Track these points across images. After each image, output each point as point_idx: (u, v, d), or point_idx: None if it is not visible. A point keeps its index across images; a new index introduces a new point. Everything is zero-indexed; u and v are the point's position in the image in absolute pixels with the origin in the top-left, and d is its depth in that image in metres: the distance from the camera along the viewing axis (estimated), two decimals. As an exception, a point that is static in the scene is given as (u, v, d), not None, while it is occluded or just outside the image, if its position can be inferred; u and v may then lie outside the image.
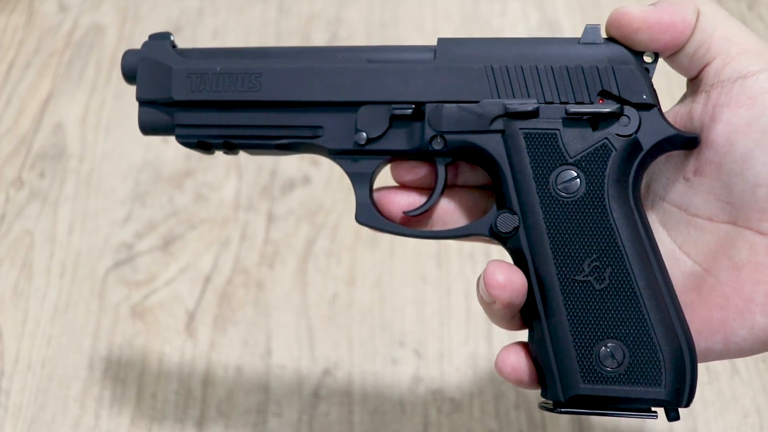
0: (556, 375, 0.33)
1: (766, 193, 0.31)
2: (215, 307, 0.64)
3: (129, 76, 0.40)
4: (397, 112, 0.37)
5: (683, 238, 0.34)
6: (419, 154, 0.37)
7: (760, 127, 0.31)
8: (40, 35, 0.85)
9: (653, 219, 0.36)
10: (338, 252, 0.66)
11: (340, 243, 0.66)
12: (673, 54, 0.34)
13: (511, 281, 0.33)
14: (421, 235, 0.38)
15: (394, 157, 0.38)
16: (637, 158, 0.34)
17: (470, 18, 0.83)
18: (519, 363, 0.35)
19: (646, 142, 0.34)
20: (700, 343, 0.32)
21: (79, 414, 0.59)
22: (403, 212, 0.38)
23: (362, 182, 0.38)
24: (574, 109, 0.34)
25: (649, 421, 0.55)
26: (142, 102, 0.40)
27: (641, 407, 0.33)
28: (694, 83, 0.34)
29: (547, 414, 0.56)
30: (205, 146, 0.40)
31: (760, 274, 0.31)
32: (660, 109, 0.35)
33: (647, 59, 0.35)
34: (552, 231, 0.34)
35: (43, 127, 0.77)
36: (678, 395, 0.32)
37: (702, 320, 0.32)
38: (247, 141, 0.39)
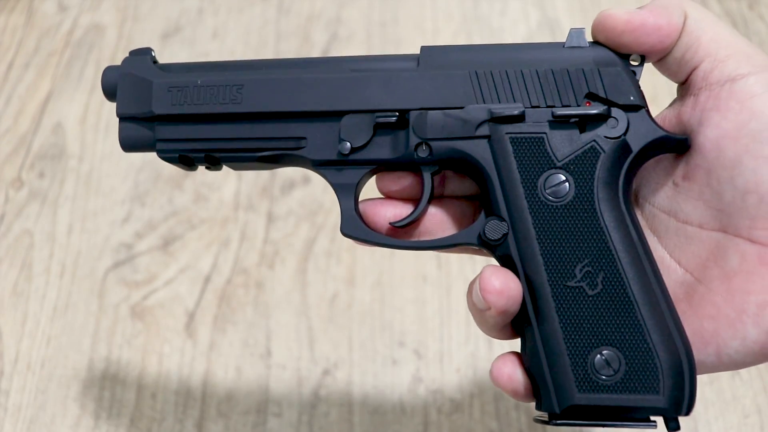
0: (550, 386, 0.32)
1: (756, 200, 0.30)
2: (215, 308, 0.64)
3: (110, 92, 0.39)
4: (381, 120, 0.36)
5: (673, 245, 0.34)
6: (405, 163, 0.37)
7: (749, 132, 0.30)
8: (40, 35, 0.85)
9: (643, 225, 0.35)
10: (338, 252, 0.66)
11: (340, 243, 0.66)
12: (662, 58, 0.34)
13: (508, 287, 0.32)
14: (408, 246, 0.37)
15: (380, 166, 0.37)
16: (627, 160, 0.34)
17: (470, 18, 0.83)
18: (514, 373, 0.34)
19: (636, 143, 0.33)
20: (698, 354, 0.32)
21: (79, 414, 0.59)
22: (390, 223, 0.37)
23: (347, 193, 0.37)
24: (560, 111, 0.34)
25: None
26: (123, 118, 0.39)
27: (640, 417, 0.32)
28: (683, 87, 0.34)
29: (548, 414, 0.56)
30: (186, 161, 0.39)
31: (750, 284, 0.30)
32: (648, 111, 0.34)
33: (633, 62, 0.34)
34: (542, 236, 0.33)
35: (43, 127, 0.77)
36: (677, 403, 0.31)
37: (693, 331, 0.32)
38: (230, 154, 0.38)
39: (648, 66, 0.35)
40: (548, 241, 0.33)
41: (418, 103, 0.36)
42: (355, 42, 0.81)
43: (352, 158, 0.37)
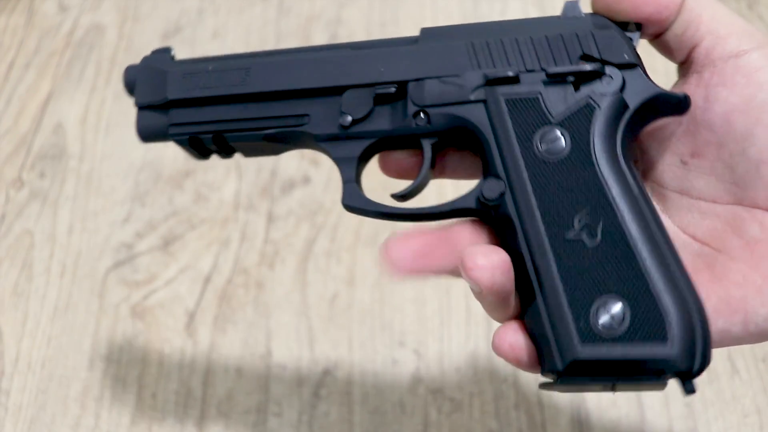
0: (552, 343, 0.31)
1: None
2: (215, 307, 0.64)
3: (130, 87, 0.41)
4: (381, 91, 0.37)
5: (687, 222, 0.33)
6: (405, 137, 0.37)
7: (758, 104, 0.30)
8: (40, 35, 0.85)
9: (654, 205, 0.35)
10: (338, 252, 0.66)
11: (340, 243, 0.66)
12: (660, 35, 0.34)
13: (491, 260, 0.31)
14: (407, 213, 0.36)
15: (381, 139, 0.37)
16: (624, 117, 0.33)
17: (470, 18, 0.83)
18: (517, 340, 0.32)
19: (632, 100, 0.33)
20: (717, 323, 0.30)
21: (79, 414, 0.59)
22: (391, 195, 0.37)
23: (349, 166, 0.37)
24: (553, 69, 0.34)
25: (650, 420, 0.55)
26: (141, 107, 0.41)
27: (650, 370, 0.29)
28: (684, 67, 0.34)
29: (548, 414, 0.56)
30: (197, 145, 0.40)
31: None
32: (644, 69, 0.34)
33: (630, 29, 0.34)
34: (538, 191, 0.33)
35: (43, 127, 0.77)
36: (689, 354, 0.29)
37: (719, 298, 0.30)
38: (237, 134, 0.39)
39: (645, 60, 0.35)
40: (545, 195, 0.33)
41: (416, 74, 0.36)
42: (355, 42, 0.81)
43: (353, 131, 0.37)
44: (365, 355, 0.60)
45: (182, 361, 0.61)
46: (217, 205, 0.70)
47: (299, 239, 0.67)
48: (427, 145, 0.37)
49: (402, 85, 0.37)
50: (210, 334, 0.62)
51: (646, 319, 0.30)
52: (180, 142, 0.40)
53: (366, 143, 0.37)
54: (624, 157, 0.33)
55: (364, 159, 0.39)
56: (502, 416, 0.57)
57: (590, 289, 0.31)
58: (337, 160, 0.38)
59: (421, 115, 0.36)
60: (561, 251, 0.32)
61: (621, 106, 0.33)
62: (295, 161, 0.72)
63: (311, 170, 0.71)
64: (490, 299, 0.32)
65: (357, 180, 0.38)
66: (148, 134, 0.41)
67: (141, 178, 0.72)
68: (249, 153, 0.41)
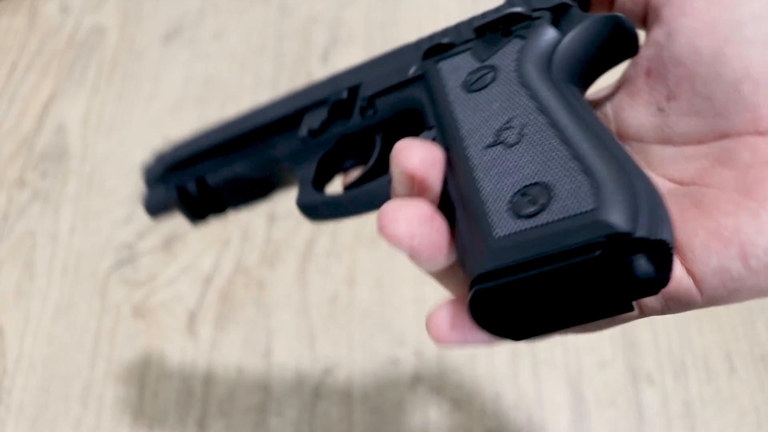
0: (472, 248, 0.24)
1: (751, 87, 0.26)
2: (216, 307, 0.64)
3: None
4: (334, 99, 0.37)
5: (672, 171, 0.29)
6: (360, 137, 0.37)
7: (722, 23, 0.27)
8: (42, 36, 0.85)
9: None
10: (338, 252, 0.66)
11: (340, 243, 0.66)
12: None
13: (407, 213, 0.27)
14: (355, 198, 0.35)
15: (338, 143, 0.37)
16: (557, 47, 0.30)
17: (470, 19, 0.83)
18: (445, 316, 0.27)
19: (564, 30, 0.30)
20: (711, 260, 0.25)
21: (81, 413, 0.59)
22: (344, 186, 0.37)
23: (308, 169, 0.38)
24: (479, 22, 0.32)
25: (649, 419, 0.56)
26: (147, 184, 0.46)
27: (579, 249, 0.22)
28: (649, 22, 0.31)
29: (547, 413, 0.56)
30: (186, 198, 0.42)
31: None
32: (580, 7, 0.32)
33: None
34: (462, 116, 0.30)
35: (45, 128, 0.77)
36: (628, 216, 0.21)
37: (709, 232, 0.25)
38: (216, 176, 0.42)
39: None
40: (468, 115, 0.30)
41: (365, 77, 0.37)
42: (356, 43, 0.82)
43: (312, 142, 0.38)
44: (365, 355, 0.61)
45: (183, 361, 0.61)
46: (218, 205, 0.70)
47: (300, 239, 0.67)
48: (378, 139, 0.36)
49: (353, 90, 0.37)
50: (211, 334, 0.62)
51: (571, 193, 0.23)
52: (174, 203, 0.42)
53: (324, 149, 0.37)
54: (556, 83, 0.29)
55: (326, 168, 0.38)
56: (502, 416, 0.57)
57: (509, 184, 0.25)
58: (297, 171, 0.38)
59: (369, 110, 0.36)
60: (481, 159, 0.27)
61: (549, 35, 0.30)
62: (295, 162, 0.72)
63: (312, 171, 0.72)
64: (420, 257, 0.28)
65: (315, 183, 0.37)
66: (152, 207, 0.45)
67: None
68: (236, 200, 0.43)
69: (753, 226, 0.25)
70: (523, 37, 0.31)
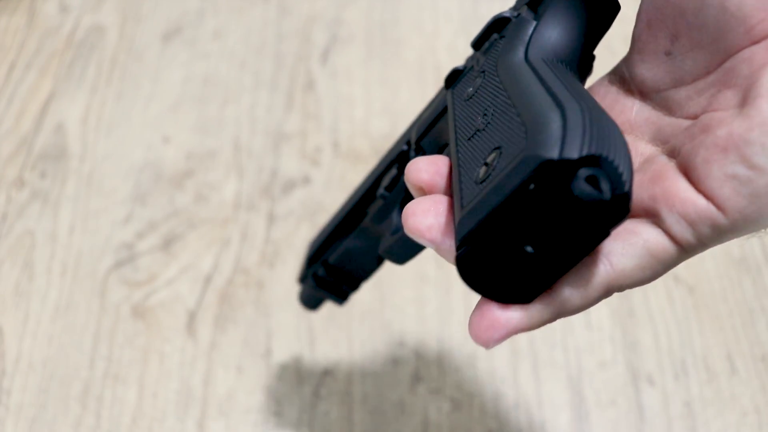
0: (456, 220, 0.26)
1: (735, 2, 0.27)
2: (216, 307, 0.64)
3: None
4: (396, 153, 0.40)
5: (689, 108, 0.30)
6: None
7: None
8: (41, 36, 0.85)
9: (655, 123, 0.31)
10: (338, 252, 0.66)
11: (340, 243, 0.66)
12: None
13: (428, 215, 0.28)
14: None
15: (405, 195, 0.40)
16: (533, 33, 0.30)
17: (470, 18, 0.83)
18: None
19: (540, 15, 0.31)
20: (714, 173, 0.25)
21: (80, 413, 0.59)
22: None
23: (390, 219, 0.41)
24: (473, 40, 0.34)
25: (649, 419, 0.56)
26: (299, 282, 0.52)
27: (518, 187, 0.22)
28: None
29: (547, 414, 0.56)
30: (320, 281, 0.48)
31: None
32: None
33: None
34: (458, 123, 0.31)
35: (44, 128, 0.77)
36: (549, 141, 0.21)
37: (706, 146, 0.25)
38: (333, 254, 0.46)
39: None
40: (461, 122, 0.31)
41: (411, 131, 0.40)
42: (356, 43, 0.82)
43: (389, 197, 0.41)
44: (365, 355, 0.61)
45: (183, 361, 0.61)
46: (217, 205, 0.70)
47: (300, 239, 0.67)
48: None
49: (408, 143, 0.39)
50: (210, 334, 0.62)
51: (511, 144, 0.24)
52: (314, 289, 0.49)
53: (401, 197, 0.40)
54: (531, 59, 0.29)
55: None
56: (502, 416, 0.57)
57: (477, 159, 0.26)
58: (386, 227, 0.41)
59: (420, 152, 0.38)
60: (463, 153, 0.28)
61: (527, 26, 0.31)
62: (295, 161, 0.72)
63: (311, 170, 0.72)
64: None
65: (394, 232, 0.40)
66: (304, 300, 0.53)
67: (142, 179, 0.72)
68: (360, 272, 0.47)
69: (742, 126, 0.25)
70: (501, 36, 0.32)
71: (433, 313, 0.62)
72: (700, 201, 0.26)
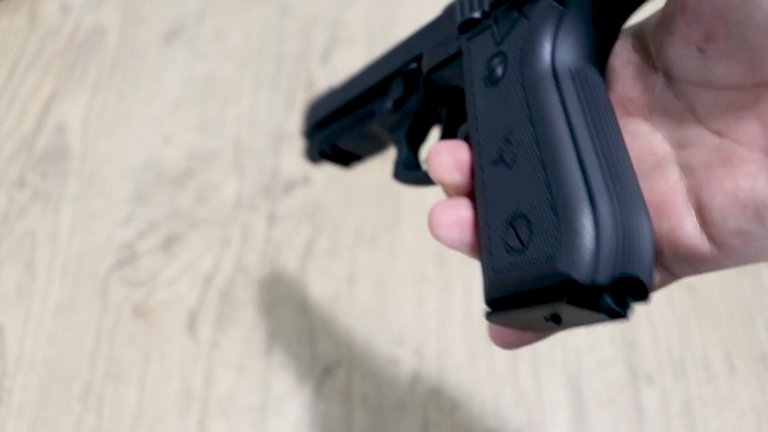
0: (483, 267, 0.28)
1: None
2: (216, 307, 0.64)
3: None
4: (406, 70, 0.40)
5: (713, 118, 0.29)
6: (428, 107, 0.39)
7: None
8: (43, 36, 0.85)
9: (678, 108, 0.30)
10: (338, 252, 0.66)
11: (340, 243, 0.66)
12: None
13: (450, 216, 0.30)
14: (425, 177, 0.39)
15: (416, 115, 0.40)
16: (560, 24, 0.29)
17: (470, 19, 0.83)
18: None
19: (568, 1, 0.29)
20: (728, 224, 0.26)
21: (81, 413, 0.59)
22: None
23: (400, 144, 0.41)
24: None
25: (649, 418, 0.56)
26: (302, 136, 0.54)
27: (547, 292, 0.24)
28: None
29: (547, 413, 0.57)
30: (327, 156, 0.50)
31: None
32: None
33: None
34: (481, 117, 0.30)
35: (46, 128, 0.77)
36: (586, 263, 0.23)
37: (727, 194, 0.26)
38: (341, 136, 0.48)
39: None
40: (483, 121, 0.30)
41: (424, 46, 0.38)
42: (356, 44, 0.82)
43: (397, 113, 0.41)
44: (365, 355, 0.61)
45: (183, 360, 0.61)
46: (218, 205, 0.70)
47: (300, 239, 0.67)
48: (443, 113, 0.39)
49: (419, 59, 0.39)
50: (211, 333, 0.63)
51: (542, 231, 0.25)
52: (320, 159, 0.52)
53: (408, 121, 0.41)
54: (558, 70, 0.28)
55: (414, 139, 0.42)
56: (501, 416, 0.57)
57: (504, 211, 0.27)
58: (393, 142, 0.42)
59: (430, 83, 0.38)
60: (488, 174, 0.29)
61: (552, 17, 0.29)
62: (295, 162, 0.73)
63: (311, 170, 0.72)
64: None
65: (407, 159, 0.41)
66: (308, 158, 0.54)
67: (143, 179, 0.73)
68: (368, 153, 0.50)
69: (767, 188, 0.25)
70: (524, 17, 0.30)
71: (433, 313, 0.62)
72: (705, 247, 0.26)
